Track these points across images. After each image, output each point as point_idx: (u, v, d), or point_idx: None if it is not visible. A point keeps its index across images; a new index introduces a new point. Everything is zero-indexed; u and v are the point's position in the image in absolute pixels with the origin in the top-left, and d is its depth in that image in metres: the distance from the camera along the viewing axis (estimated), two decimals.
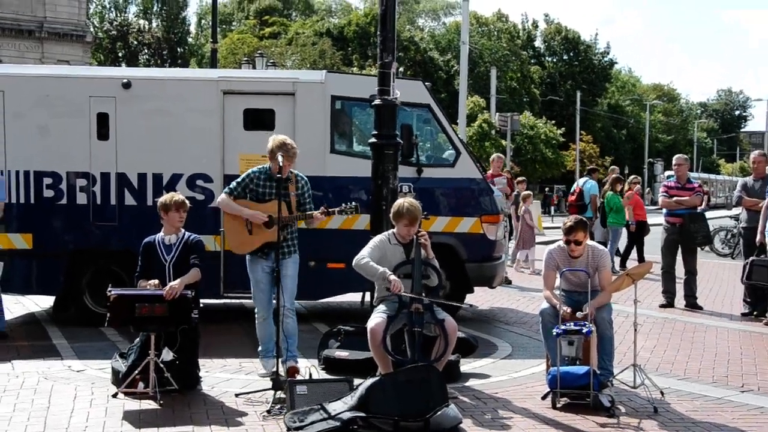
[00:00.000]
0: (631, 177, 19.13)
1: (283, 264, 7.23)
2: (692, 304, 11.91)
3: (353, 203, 7.50)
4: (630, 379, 7.32)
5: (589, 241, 7.52)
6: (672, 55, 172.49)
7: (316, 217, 7.33)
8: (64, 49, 40.59)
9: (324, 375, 7.62)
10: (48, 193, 10.04)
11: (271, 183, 7.37)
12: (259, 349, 7.65)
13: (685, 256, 12.01)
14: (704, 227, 12.12)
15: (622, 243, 17.22)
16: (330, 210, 7.37)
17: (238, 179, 7.54)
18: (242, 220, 7.39)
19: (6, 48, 39.71)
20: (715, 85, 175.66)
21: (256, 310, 7.56)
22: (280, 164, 7.01)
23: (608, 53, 76.11)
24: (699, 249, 12.61)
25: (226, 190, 7.55)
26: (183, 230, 7.41)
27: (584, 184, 16.44)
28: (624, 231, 16.80)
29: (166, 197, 7.37)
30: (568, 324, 6.98)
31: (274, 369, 7.06)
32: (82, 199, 10.07)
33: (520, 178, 18.75)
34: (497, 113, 41.06)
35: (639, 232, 16.71)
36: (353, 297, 10.87)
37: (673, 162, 12.31)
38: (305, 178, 7.58)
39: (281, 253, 7.21)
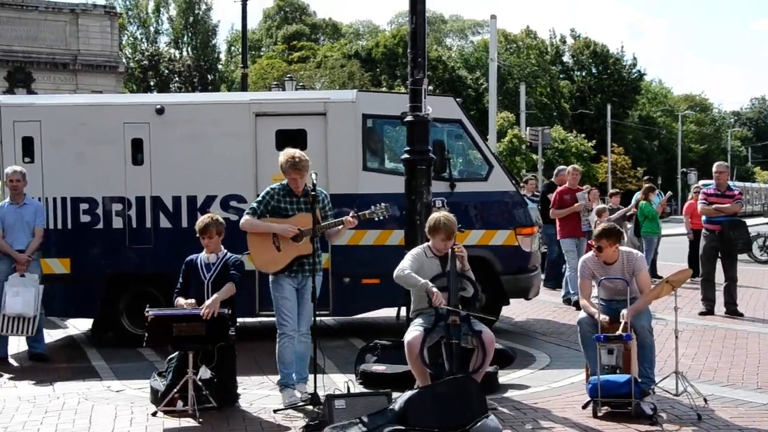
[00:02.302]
0: (693, 186, 18.88)
1: (307, 285, 7.14)
2: (733, 311, 11.74)
3: (383, 204, 7.25)
4: (672, 387, 7.23)
5: (622, 247, 7.47)
6: (702, 65, 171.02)
7: (348, 221, 7.11)
8: (97, 79, 41.34)
9: (362, 389, 7.59)
10: (85, 218, 10.18)
11: (291, 198, 7.23)
12: (278, 379, 7.27)
13: (725, 264, 11.87)
14: (744, 234, 11.95)
15: (682, 253, 17.02)
16: (360, 214, 7.16)
17: (258, 198, 7.36)
18: (268, 237, 7.16)
19: (41, 81, 40.53)
20: (748, 94, 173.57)
21: (279, 332, 7.21)
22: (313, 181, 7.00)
23: (636, 65, 75.69)
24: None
25: (248, 210, 7.32)
26: (225, 250, 7.49)
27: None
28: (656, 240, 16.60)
29: (198, 222, 7.51)
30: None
31: (295, 399, 7.02)
32: (118, 223, 10.20)
33: (612, 190, 18.24)
34: (528, 128, 40.97)
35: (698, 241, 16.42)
36: (388, 312, 10.85)
37: (714, 169, 12.15)
38: (324, 191, 7.45)
39: (307, 270, 7.13)
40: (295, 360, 7.16)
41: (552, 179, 15.45)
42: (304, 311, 7.21)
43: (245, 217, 7.31)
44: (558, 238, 13.39)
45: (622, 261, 7.33)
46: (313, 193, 7.09)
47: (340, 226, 7.19)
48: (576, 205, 12.93)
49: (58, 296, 10.02)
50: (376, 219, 7.39)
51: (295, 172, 7.12)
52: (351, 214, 7.16)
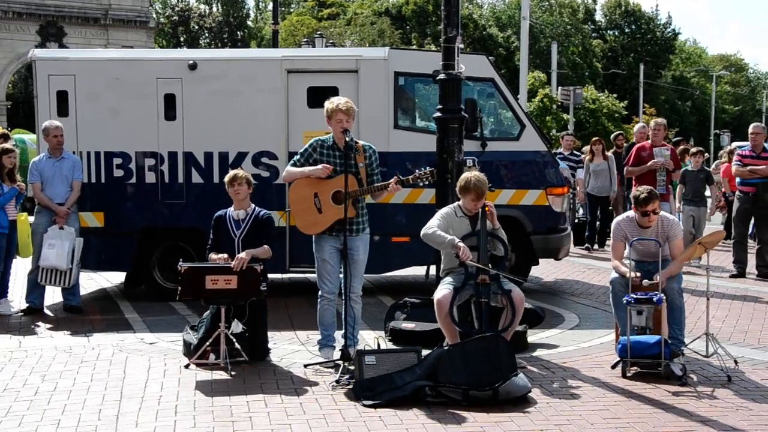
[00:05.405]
0: (728, 148, 18.46)
1: (354, 246, 6.90)
2: (765, 274, 11.64)
3: (428, 168, 6.99)
4: (702, 349, 7.23)
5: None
6: (736, 26, 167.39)
7: (392, 188, 6.80)
8: (128, 35, 41.40)
9: (391, 346, 7.63)
10: (118, 173, 10.27)
11: (336, 153, 6.93)
12: (319, 338, 7.28)
13: (758, 226, 11.76)
14: None
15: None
16: (403, 179, 6.82)
17: (301, 150, 7.12)
18: (310, 198, 6.90)
19: (73, 36, 40.66)
20: None
21: (320, 293, 7.13)
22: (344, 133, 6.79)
23: (670, 24, 74.35)
24: None
25: (290, 163, 7.16)
26: (254, 206, 7.51)
27: None
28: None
29: (227, 175, 7.52)
30: (638, 294, 6.88)
31: (334, 358, 6.99)
32: (150, 178, 10.28)
33: (694, 150, 14.80)
34: (559, 87, 40.50)
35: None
36: (418, 270, 10.89)
37: (750, 130, 11.94)
38: (372, 146, 7.19)
39: (351, 230, 6.87)
40: (350, 322, 6.91)
41: (633, 140, 13.98)
42: (356, 272, 6.97)
43: (286, 168, 7.20)
44: None
45: (658, 225, 7.26)
46: (357, 153, 6.82)
47: (384, 190, 6.91)
48: (651, 162, 10.92)
49: (92, 249, 10.14)
50: (421, 184, 7.15)
51: (341, 113, 6.83)
52: (395, 180, 6.83)
